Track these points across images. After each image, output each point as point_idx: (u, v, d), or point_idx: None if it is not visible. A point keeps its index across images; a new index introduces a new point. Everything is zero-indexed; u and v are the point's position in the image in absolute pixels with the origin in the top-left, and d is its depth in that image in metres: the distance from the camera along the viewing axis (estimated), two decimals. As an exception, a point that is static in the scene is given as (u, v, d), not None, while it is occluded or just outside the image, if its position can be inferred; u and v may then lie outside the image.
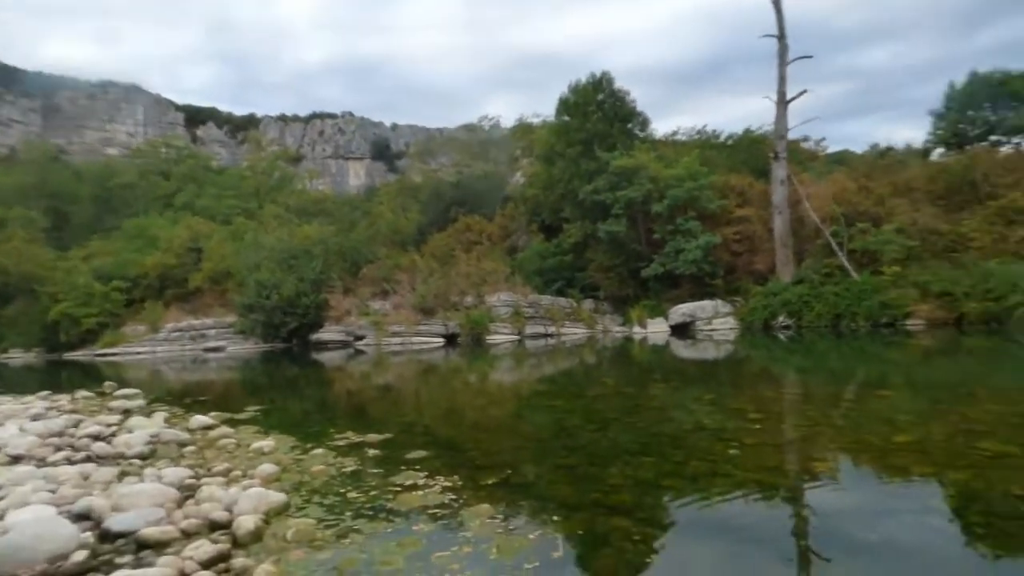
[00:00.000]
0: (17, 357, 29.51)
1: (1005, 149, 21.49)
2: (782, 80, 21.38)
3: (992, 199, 18.46)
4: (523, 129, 43.85)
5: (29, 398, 11.44)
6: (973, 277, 16.43)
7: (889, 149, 27.14)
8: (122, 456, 5.73)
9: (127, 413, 8.88)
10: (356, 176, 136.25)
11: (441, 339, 21.95)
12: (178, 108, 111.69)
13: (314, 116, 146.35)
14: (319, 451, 5.62)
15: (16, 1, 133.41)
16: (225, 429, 6.76)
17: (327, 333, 23.63)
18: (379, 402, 11.54)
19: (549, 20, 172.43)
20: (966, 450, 4.83)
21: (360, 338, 22.79)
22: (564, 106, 27.31)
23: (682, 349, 18.02)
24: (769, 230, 21.09)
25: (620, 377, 12.55)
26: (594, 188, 23.17)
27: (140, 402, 10.22)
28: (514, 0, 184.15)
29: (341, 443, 5.99)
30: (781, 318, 19.02)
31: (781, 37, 21.49)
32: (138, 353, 25.93)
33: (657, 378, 12.05)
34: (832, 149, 36.03)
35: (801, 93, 21.29)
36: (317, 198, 45.99)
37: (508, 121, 45.92)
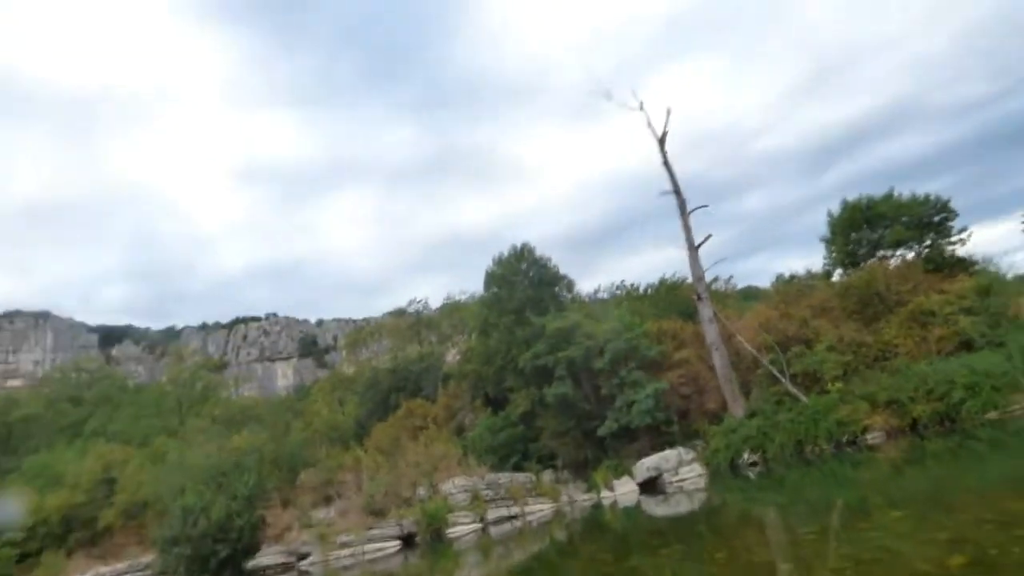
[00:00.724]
0: None
1: (893, 261, 23.52)
2: (687, 229, 23.00)
3: (900, 306, 19.70)
4: (452, 307, 44.69)
5: None
6: (911, 381, 16.88)
7: (794, 277, 29.08)
8: None
9: None
10: (284, 376, 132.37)
11: (397, 542, 19.79)
12: (91, 330, 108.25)
13: (237, 321, 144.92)
14: None
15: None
16: None
17: (265, 556, 20.85)
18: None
19: (454, 206, 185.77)
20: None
21: (304, 556, 20.21)
22: (492, 279, 28.11)
23: (659, 507, 17.05)
24: (710, 368, 21.35)
25: (613, 551, 11.44)
26: (534, 353, 23.13)
27: None
28: (422, 192, 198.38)
29: None
30: (746, 455, 18.57)
31: (677, 193, 23.51)
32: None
33: (654, 544, 11.04)
34: (738, 287, 38.63)
35: (707, 238, 22.88)
36: (245, 405, 43.57)
37: (435, 301, 46.70)
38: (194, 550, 20.27)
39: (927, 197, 23.46)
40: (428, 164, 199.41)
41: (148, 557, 22.28)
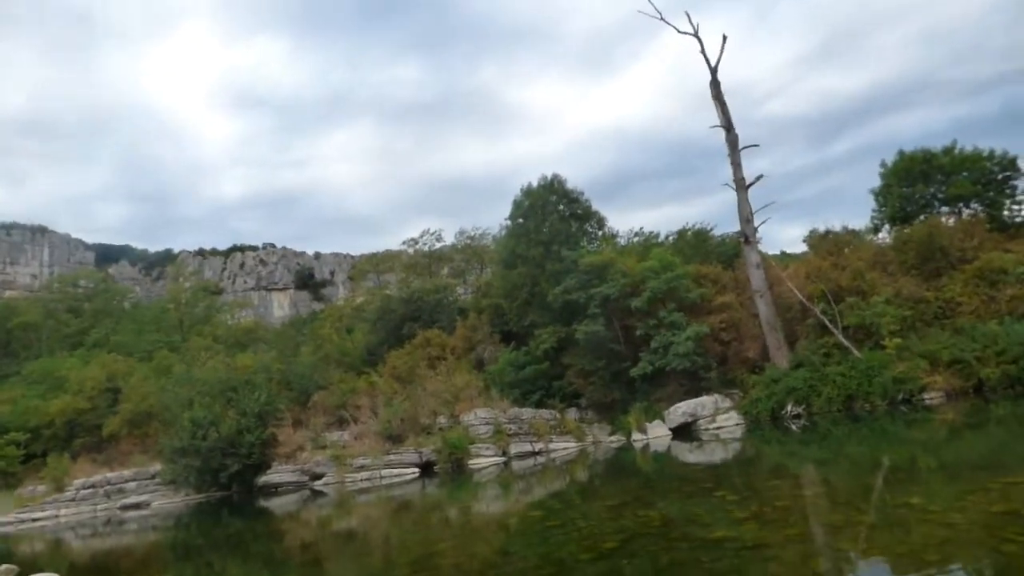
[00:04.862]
0: None
1: (948, 220, 22.14)
2: (737, 167, 21.47)
3: (964, 263, 18.53)
4: (466, 242, 43.28)
5: None
6: (979, 341, 15.88)
7: (829, 232, 27.72)
8: None
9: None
10: (280, 307, 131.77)
11: (415, 469, 19.10)
12: (88, 247, 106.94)
13: (234, 249, 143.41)
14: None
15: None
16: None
17: (277, 474, 20.22)
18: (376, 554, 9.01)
19: (458, 150, 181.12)
20: None
21: (318, 477, 19.55)
22: (519, 209, 26.73)
23: (691, 454, 16.26)
24: (752, 316, 20.31)
25: (642, 494, 10.68)
26: (565, 288, 22.02)
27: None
28: (422, 132, 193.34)
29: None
30: (789, 407, 17.68)
31: (729, 128, 21.91)
32: (36, 519, 21.42)
33: (685, 490, 10.29)
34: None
35: (759, 178, 21.41)
36: (248, 327, 42.76)
37: (447, 236, 45.10)
38: (203, 462, 19.61)
39: (992, 152, 21.97)
40: (430, 105, 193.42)
41: (155, 467, 21.63)
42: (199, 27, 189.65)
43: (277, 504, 18.14)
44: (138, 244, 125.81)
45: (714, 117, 21.99)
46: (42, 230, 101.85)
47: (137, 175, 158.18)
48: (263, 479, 20.32)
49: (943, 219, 21.68)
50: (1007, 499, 6.62)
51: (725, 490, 9.82)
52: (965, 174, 21.90)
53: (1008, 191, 21.58)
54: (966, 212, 22.07)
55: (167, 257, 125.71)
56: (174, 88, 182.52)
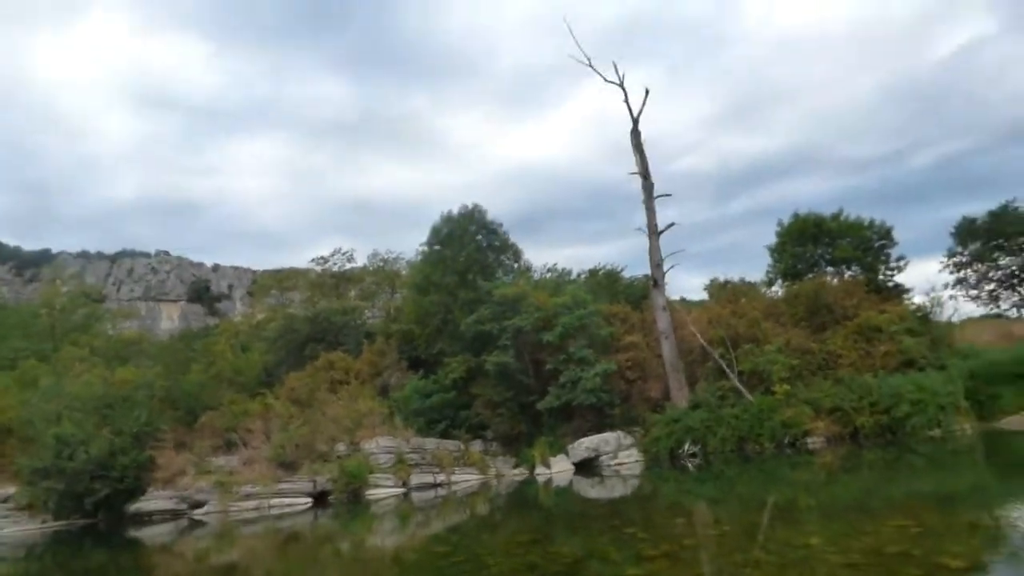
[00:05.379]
0: None
1: (831, 279, 24.08)
2: (651, 213, 22.46)
3: (846, 319, 20.17)
4: (378, 265, 42.33)
5: None
6: (856, 392, 17.23)
7: (728, 282, 29.41)
8: None
9: None
10: (170, 319, 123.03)
11: (308, 499, 18.10)
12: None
13: (123, 254, 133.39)
14: None
15: None
16: None
17: (152, 501, 18.51)
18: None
19: (377, 173, 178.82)
20: None
21: (199, 505, 18.05)
22: (437, 236, 26.56)
23: (593, 489, 16.49)
24: (657, 356, 21.04)
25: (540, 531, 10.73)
26: (477, 318, 21.95)
27: None
28: (341, 152, 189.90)
29: None
30: (687, 446, 18.35)
31: (646, 176, 22.95)
32: None
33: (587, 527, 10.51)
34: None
35: (670, 226, 22.47)
36: (132, 339, 39.31)
37: (359, 257, 43.93)
38: (67, 485, 17.63)
39: (872, 221, 24.19)
40: (351, 125, 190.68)
41: (9, 489, 19.24)
42: (110, 17, 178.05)
43: (149, 534, 16.60)
44: (10, 241, 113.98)
45: (632, 164, 23.02)
46: None
47: (13, 164, 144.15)
48: (135, 506, 18.52)
49: (828, 278, 23.54)
50: (897, 541, 7.15)
51: (632, 527, 9.95)
52: (848, 239, 23.93)
53: (883, 258, 23.78)
54: (848, 273, 24.08)
55: (44, 257, 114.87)
56: (69, 77, 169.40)
